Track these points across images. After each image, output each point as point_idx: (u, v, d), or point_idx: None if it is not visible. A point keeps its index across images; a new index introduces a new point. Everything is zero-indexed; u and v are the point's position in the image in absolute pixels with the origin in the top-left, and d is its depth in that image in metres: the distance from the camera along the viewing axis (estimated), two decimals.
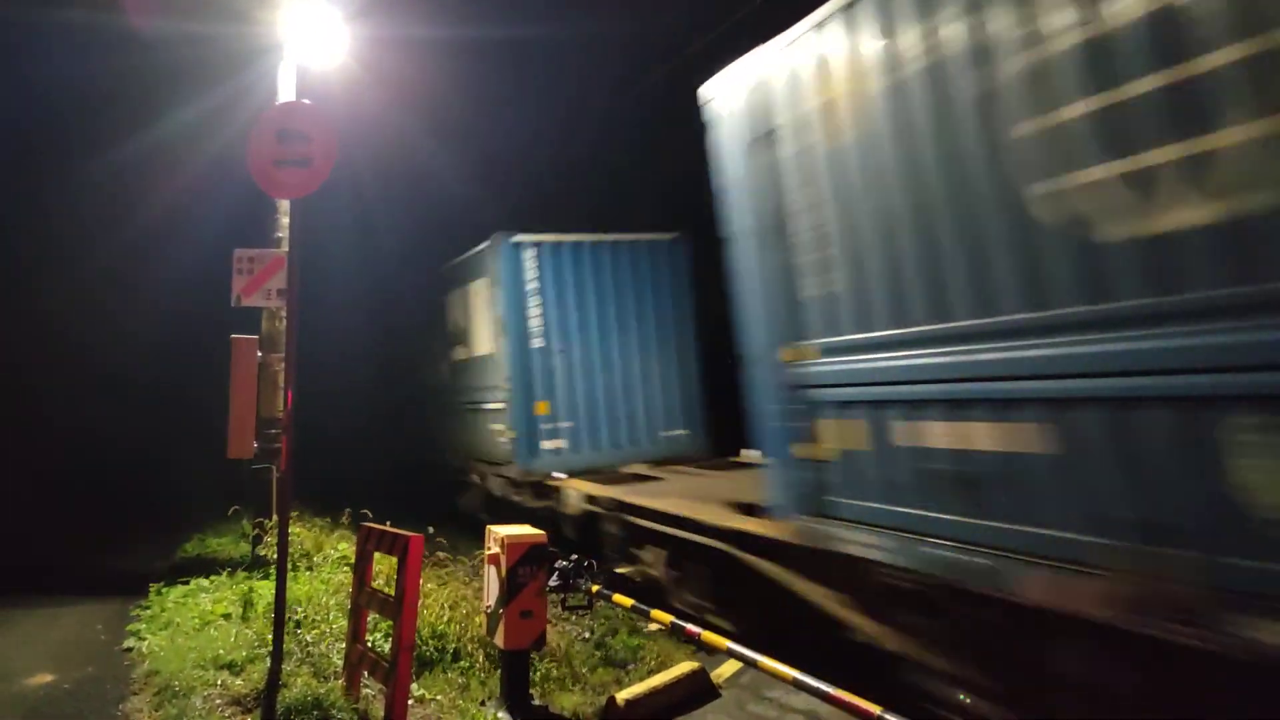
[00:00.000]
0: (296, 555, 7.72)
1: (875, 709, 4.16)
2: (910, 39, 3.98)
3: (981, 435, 3.64)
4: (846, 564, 4.42)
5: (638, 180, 14.22)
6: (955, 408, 3.79)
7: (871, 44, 4.23)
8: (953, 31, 3.72)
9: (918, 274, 3.99)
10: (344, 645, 4.98)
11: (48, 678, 5.41)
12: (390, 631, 4.82)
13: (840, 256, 4.48)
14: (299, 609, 5.91)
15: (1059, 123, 3.25)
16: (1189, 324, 2.82)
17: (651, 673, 5.33)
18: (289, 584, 5.72)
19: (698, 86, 5.70)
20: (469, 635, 5.55)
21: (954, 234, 3.78)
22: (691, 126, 5.93)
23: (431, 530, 6.33)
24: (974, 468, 3.67)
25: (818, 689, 4.60)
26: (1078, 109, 3.17)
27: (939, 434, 3.87)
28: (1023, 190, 3.42)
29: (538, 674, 5.18)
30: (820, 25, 4.57)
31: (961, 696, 3.75)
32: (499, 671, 4.90)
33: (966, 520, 3.70)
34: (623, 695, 4.74)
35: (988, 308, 3.61)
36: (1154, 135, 2.90)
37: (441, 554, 6.94)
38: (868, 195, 4.29)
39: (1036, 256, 3.38)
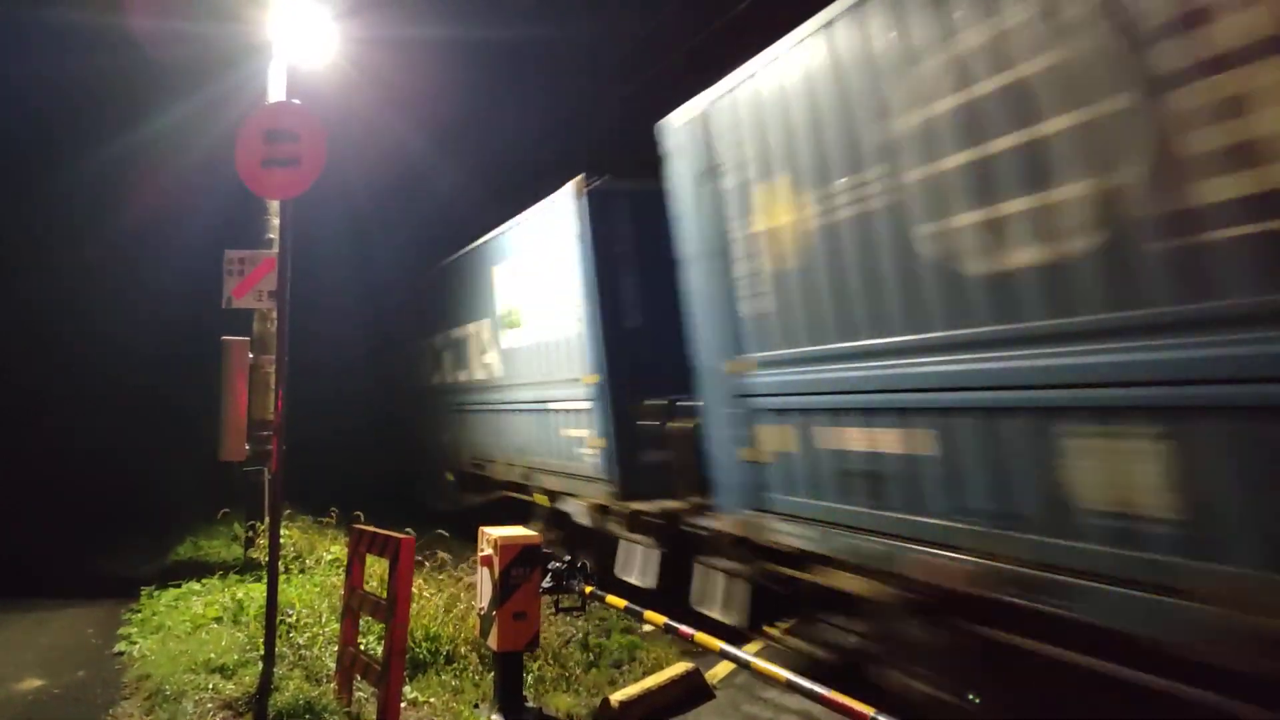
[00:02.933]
0: (289, 558, 7.69)
1: (868, 710, 4.17)
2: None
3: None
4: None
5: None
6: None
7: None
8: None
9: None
10: (336, 648, 4.95)
11: (37, 682, 5.36)
12: (383, 634, 4.80)
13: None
14: (291, 612, 5.88)
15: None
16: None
17: (646, 674, 5.32)
18: (281, 587, 5.69)
19: (690, 82, 5.81)
20: (462, 637, 5.53)
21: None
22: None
23: (411, 531, 6.30)
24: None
25: (810, 690, 4.62)
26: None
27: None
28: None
29: (531, 675, 5.17)
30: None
31: (971, 697, 3.73)
32: (492, 673, 4.88)
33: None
34: (617, 696, 4.73)
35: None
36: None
37: (443, 554, 6.93)
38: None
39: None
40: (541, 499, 8.73)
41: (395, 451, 15.25)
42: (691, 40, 10.64)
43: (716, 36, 9.79)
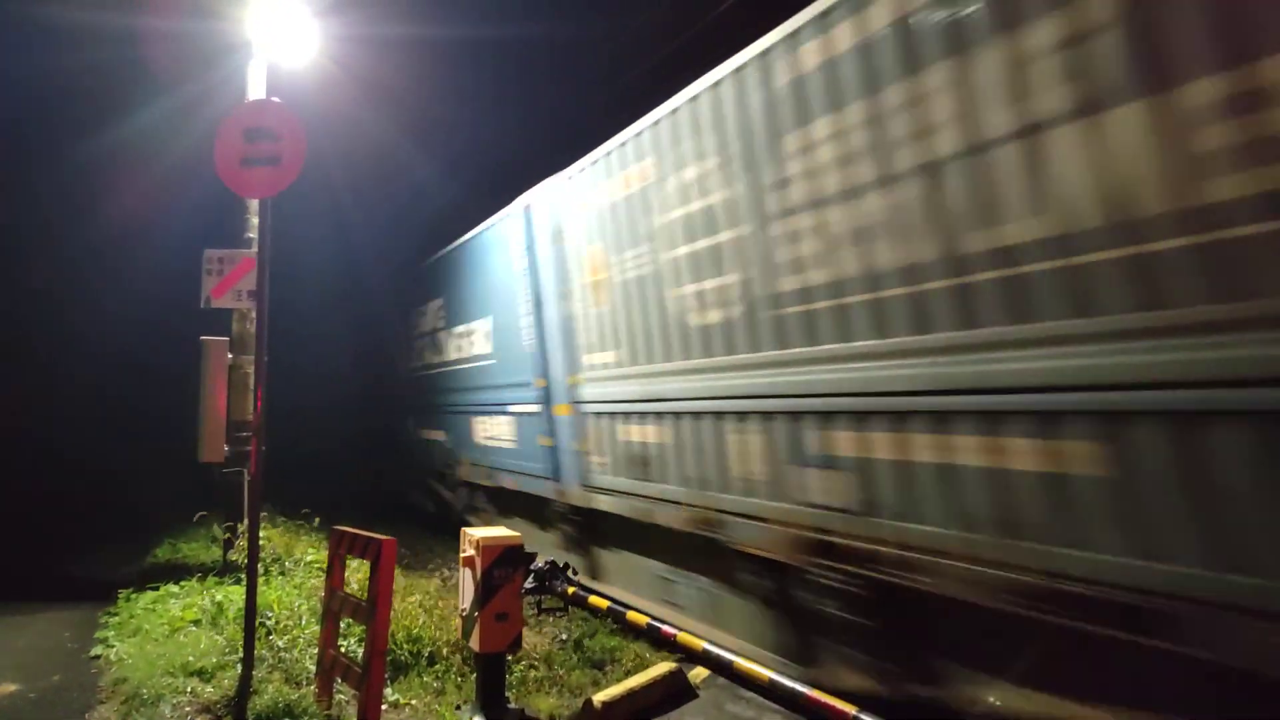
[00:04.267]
0: (268, 560, 7.62)
1: (850, 709, 4.19)
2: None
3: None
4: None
5: None
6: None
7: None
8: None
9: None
10: (316, 651, 4.92)
11: (11, 687, 5.29)
12: (364, 636, 4.77)
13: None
14: (271, 614, 5.83)
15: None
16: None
17: (629, 674, 5.32)
18: (260, 589, 5.65)
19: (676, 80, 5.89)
20: (444, 638, 5.51)
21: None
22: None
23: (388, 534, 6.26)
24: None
25: (792, 689, 4.63)
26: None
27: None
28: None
29: (514, 676, 5.16)
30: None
31: (991, 699, 3.72)
32: (474, 675, 4.86)
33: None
34: (600, 697, 4.73)
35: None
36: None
37: (429, 556, 6.90)
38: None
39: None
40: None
41: (379, 452, 15.17)
42: (671, 42, 10.65)
43: (693, 39, 9.83)
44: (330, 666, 4.56)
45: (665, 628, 5.83)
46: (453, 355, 10.77)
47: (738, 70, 4.98)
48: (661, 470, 5.94)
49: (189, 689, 4.79)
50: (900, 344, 3.97)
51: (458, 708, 4.76)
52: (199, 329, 7.04)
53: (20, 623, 6.80)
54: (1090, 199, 3.15)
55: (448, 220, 12.71)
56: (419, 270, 12.17)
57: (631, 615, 6.21)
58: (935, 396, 3.79)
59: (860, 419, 4.25)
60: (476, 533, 4.81)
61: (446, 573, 8.54)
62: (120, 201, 15.26)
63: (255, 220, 7.65)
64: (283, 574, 7.41)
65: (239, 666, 4.87)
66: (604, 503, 6.75)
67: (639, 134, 6.06)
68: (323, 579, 5.19)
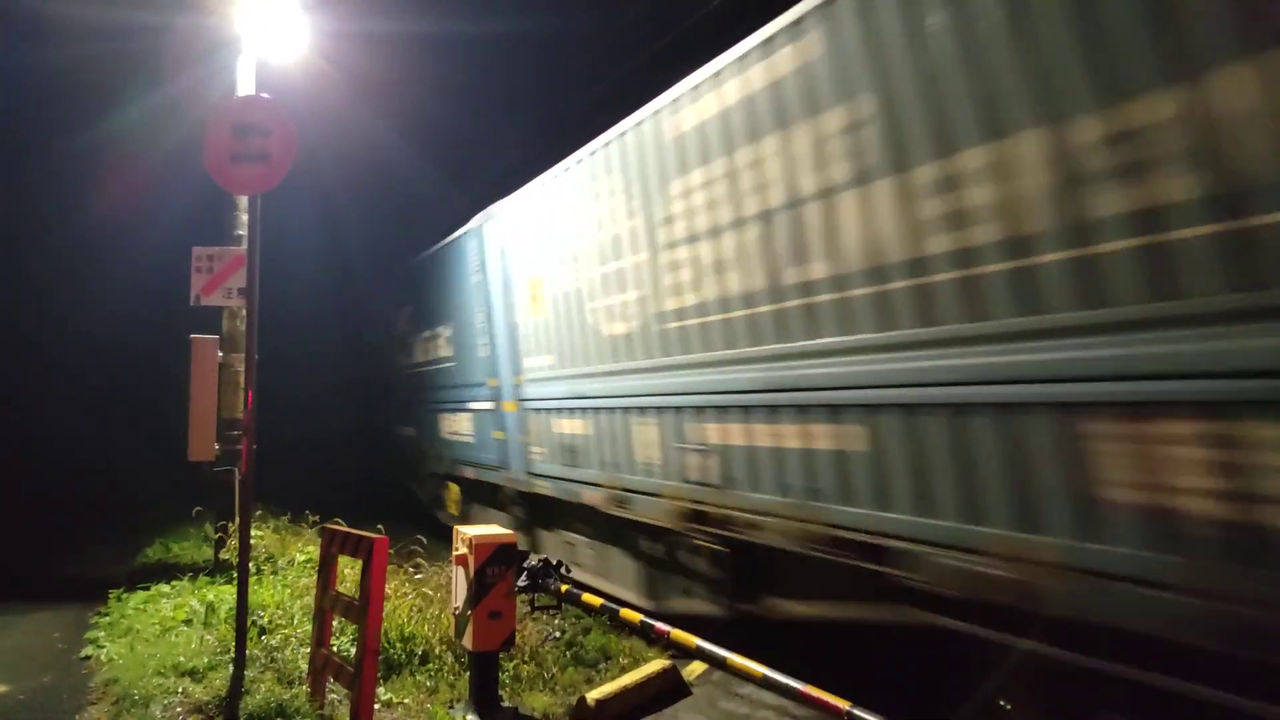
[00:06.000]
0: (260, 559, 7.60)
1: (843, 704, 4.20)
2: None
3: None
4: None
5: None
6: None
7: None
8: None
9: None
10: (309, 650, 4.90)
11: (1, 689, 5.25)
12: (356, 635, 4.75)
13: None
14: (262, 613, 5.81)
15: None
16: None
17: (623, 671, 5.31)
18: (252, 588, 5.62)
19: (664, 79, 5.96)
20: (437, 637, 5.49)
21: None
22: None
23: (381, 528, 6.23)
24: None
25: (786, 685, 4.64)
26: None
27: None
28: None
29: (507, 675, 5.14)
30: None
31: (1003, 703, 3.80)
32: (468, 673, 4.85)
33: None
34: (593, 695, 4.72)
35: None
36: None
37: (420, 557, 6.89)
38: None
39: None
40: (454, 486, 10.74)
41: (372, 449, 15.14)
42: (661, 40, 10.63)
43: (682, 36, 9.83)
44: (322, 666, 4.54)
45: (659, 625, 5.83)
46: (420, 358, 11.75)
47: (638, 124, 5.97)
48: (586, 457, 6.91)
49: (180, 689, 4.77)
50: (741, 354, 5.04)
51: (451, 706, 4.75)
52: (192, 325, 7.00)
53: (8, 623, 6.75)
54: (857, 248, 4.16)
55: (435, 216, 12.73)
56: (397, 274, 12.89)
57: (625, 613, 6.21)
58: (767, 394, 4.83)
59: (721, 412, 5.26)
60: (469, 531, 4.79)
61: (438, 570, 8.52)
62: (112, 196, 15.16)
63: (245, 217, 7.60)
64: (275, 573, 7.39)
65: (231, 666, 4.86)
66: (543, 487, 7.78)
67: (567, 169, 7.12)
68: (315, 578, 5.17)
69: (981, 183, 3.52)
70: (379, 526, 6.45)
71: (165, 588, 7.15)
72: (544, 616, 6.33)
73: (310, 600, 5.67)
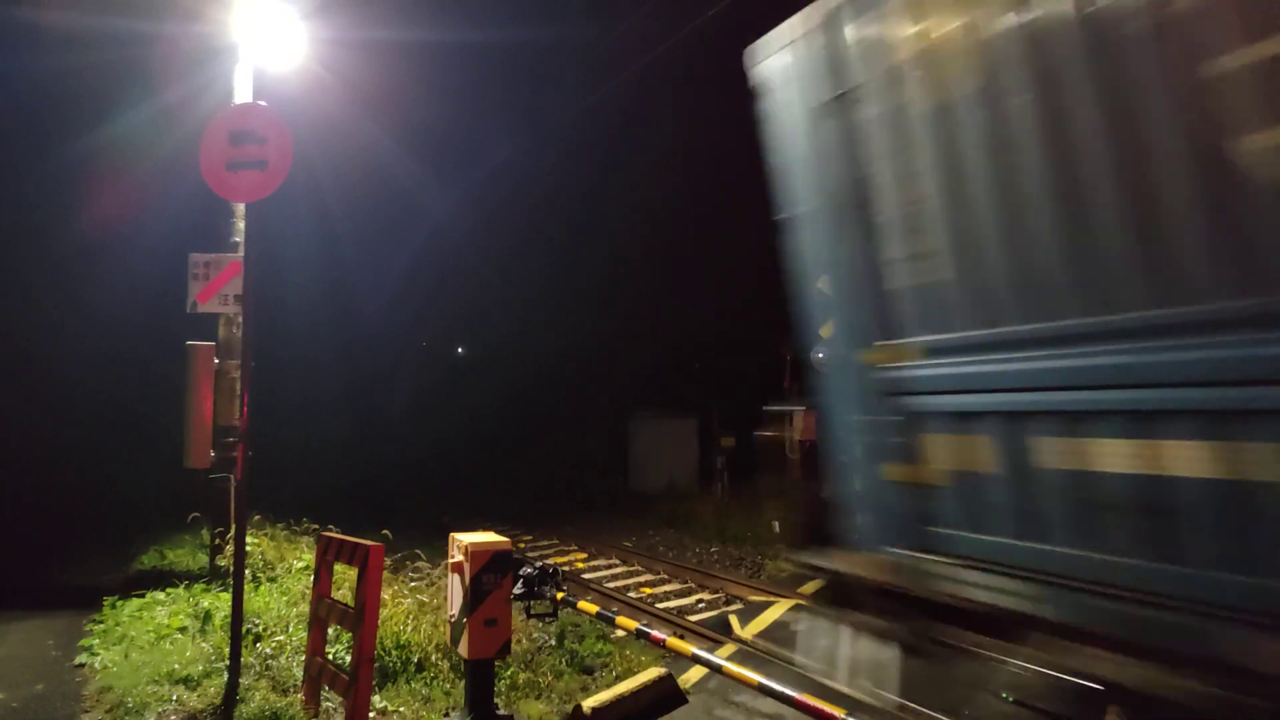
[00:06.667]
0: (256, 566, 7.57)
1: (839, 712, 4.19)
2: None
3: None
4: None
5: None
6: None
7: None
8: None
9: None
10: (304, 658, 4.88)
11: None
12: (351, 643, 4.74)
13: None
14: (258, 621, 5.79)
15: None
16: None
17: (618, 679, 5.31)
18: (248, 596, 5.61)
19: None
20: (433, 644, 5.48)
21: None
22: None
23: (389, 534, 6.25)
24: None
25: (782, 693, 4.62)
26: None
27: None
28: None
29: (503, 682, 5.13)
30: None
31: (1003, 695, 3.41)
32: (463, 681, 4.84)
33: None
34: (589, 703, 4.71)
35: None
36: None
37: (420, 563, 6.89)
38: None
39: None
40: None
41: (372, 456, 15.14)
42: (655, 50, 10.68)
43: (675, 46, 9.87)
44: (318, 674, 4.53)
45: (654, 633, 5.82)
46: None
47: None
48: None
49: (175, 697, 4.75)
50: None
51: (446, 714, 4.74)
52: (188, 332, 7.00)
53: (2, 630, 6.72)
54: None
55: (433, 218, 12.71)
56: None
57: (621, 620, 6.20)
58: None
59: None
60: (465, 538, 4.79)
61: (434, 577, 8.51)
62: (108, 204, 15.16)
63: (241, 224, 7.62)
64: (271, 580, 7.36)
65: (226, 674, 4.83)
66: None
67: None
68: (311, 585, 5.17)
69: None
70: (385, 533, 6.48)
71: (160, 595, 7.11)
72: (540, 624, 6.32)
73: (306, 608, 5.66)
